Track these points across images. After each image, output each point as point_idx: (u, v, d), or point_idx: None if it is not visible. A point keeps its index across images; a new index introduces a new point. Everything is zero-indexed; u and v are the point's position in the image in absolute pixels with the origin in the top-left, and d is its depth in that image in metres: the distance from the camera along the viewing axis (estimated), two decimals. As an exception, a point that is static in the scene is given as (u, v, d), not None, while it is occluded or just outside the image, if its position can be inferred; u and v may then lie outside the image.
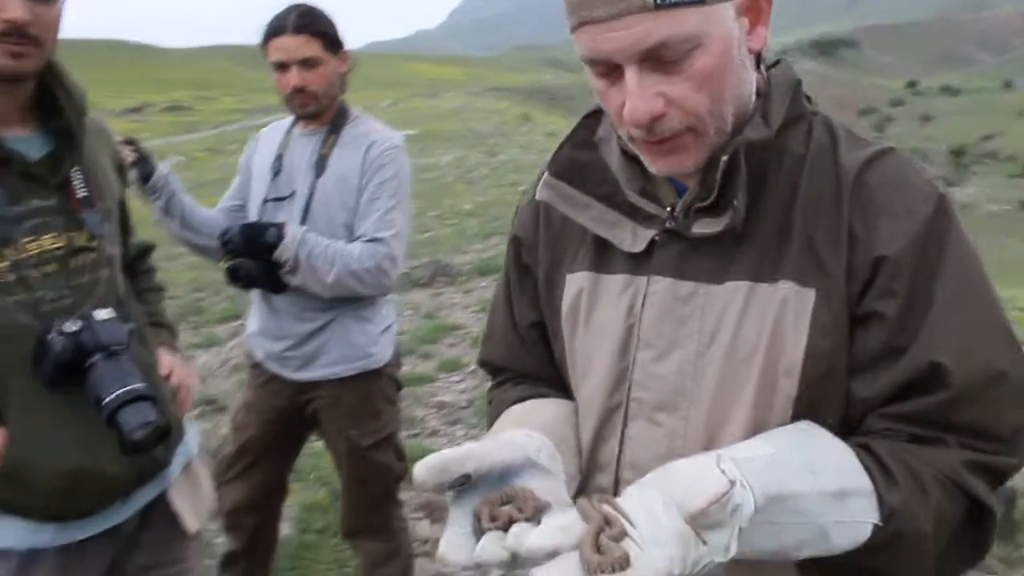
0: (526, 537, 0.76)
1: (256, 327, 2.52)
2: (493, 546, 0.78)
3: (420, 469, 0.82)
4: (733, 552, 0.79)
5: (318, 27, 2.25)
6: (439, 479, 0.83)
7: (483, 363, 1.29)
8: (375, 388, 2.49)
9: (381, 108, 41.90)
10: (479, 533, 0.81)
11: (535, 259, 1.17)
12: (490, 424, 1.15)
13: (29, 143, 1.47)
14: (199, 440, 1.87)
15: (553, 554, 0.74)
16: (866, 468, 0.90)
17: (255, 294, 2.48)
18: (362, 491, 2.55)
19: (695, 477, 0.79)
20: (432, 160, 15.02)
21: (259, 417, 2.53)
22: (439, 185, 12.73)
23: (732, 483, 0.77)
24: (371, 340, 2.46)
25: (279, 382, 2.48)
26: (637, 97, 0.90)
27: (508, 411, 1.12)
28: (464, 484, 0.85)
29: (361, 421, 2.45)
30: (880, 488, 0.89)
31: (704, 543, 0.77)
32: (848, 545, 0.88)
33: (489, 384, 1.29)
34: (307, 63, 2.24)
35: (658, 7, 0.86)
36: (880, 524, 0.88)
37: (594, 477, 1.07)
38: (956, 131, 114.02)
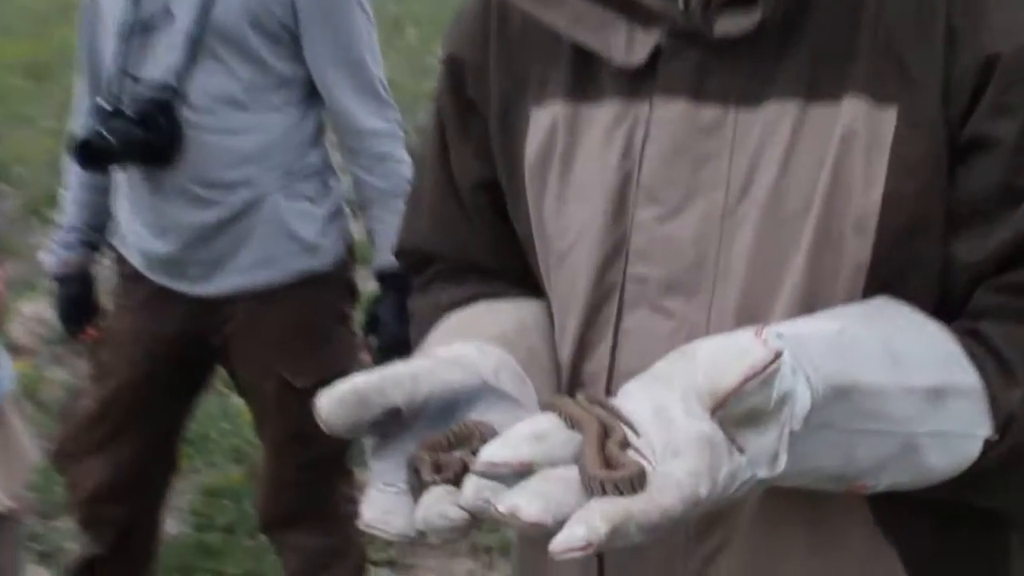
0: (484, 456, 0.62)
1: (130, 221, 2.08)
2: (442, 506, 0.61)
3: (324, 402, 0.66)
4: (782, 465, 0.65)
5: None
6: (353, 417, 0.66)
7: (403, 252, 1.12)
8: (319, 301, 2.11)
9: None
10: (417, 490, 0.65)
11: (484, 89, 0.99)
12: (418, 341, 0.96)
13: None
14: (14, 378, 1.68)
15: (521, 474, 0.58)
16: (973, 359, 0.77)
17: (124, 176, 2.04)
18: (295, 460, 2.11)
19: (724, 350, 0.64)
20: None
21: (134, 355, 2.11)
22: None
23: (778, 353, 0.62)
24: (314, 229, 2.05)
25: (167, 301, 2.08)
26: None
27: (446, 319, 0.94)
28: (390, 423, 0.71)
29: (297, 352, 2.05)
30: (994, 387, 0.76)
31: (741, 451, 0.62)
32: (946, 469, 0.75)
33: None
34: None
35: None
36: (994, 437, 0.75)
37: None
38: None
